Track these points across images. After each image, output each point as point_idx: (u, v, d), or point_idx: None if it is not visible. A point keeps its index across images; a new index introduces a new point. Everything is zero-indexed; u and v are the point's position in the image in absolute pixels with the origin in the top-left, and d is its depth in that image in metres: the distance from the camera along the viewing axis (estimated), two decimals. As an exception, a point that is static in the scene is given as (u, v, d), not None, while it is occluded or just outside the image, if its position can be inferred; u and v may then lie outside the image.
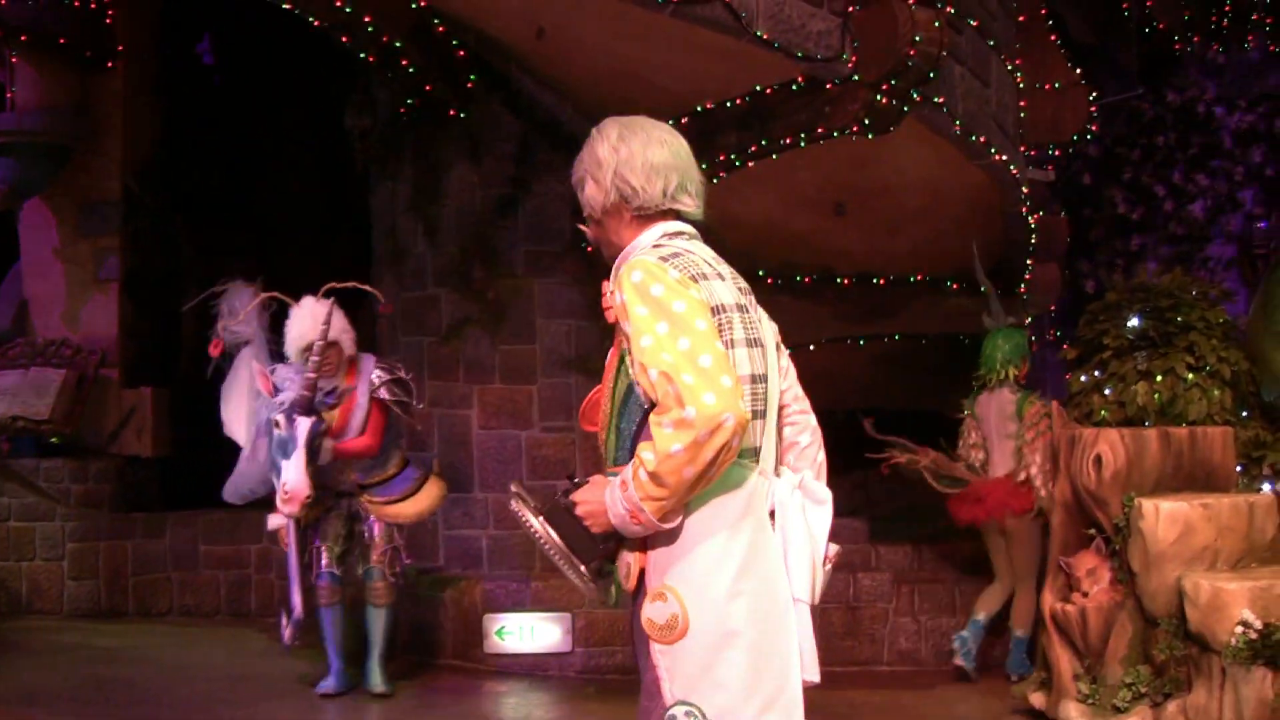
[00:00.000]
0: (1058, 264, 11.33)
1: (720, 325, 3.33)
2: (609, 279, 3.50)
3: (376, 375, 7.88)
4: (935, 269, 10.68)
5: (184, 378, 10.63)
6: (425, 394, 9.32)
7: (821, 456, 3.73)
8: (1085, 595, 7.19)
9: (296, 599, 7.58)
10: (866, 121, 8.09)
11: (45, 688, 8.02)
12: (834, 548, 3.55)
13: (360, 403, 7.85)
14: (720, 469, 3.19)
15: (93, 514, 10.52)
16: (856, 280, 10.62)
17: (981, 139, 8.99)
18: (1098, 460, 7.09)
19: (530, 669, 8.77)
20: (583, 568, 3.33)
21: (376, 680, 7.99)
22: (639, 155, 3.46)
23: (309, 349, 7.50)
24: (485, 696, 8.31)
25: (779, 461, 3.56)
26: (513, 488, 3.49)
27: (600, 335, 9.30)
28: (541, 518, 3.35)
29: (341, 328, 7.79)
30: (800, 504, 3.46)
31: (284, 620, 7.74)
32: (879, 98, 7.94)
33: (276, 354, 7.87)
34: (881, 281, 10.67)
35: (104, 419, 11.15)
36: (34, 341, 11.26)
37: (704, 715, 3.24)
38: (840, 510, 11.17)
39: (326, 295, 7.69)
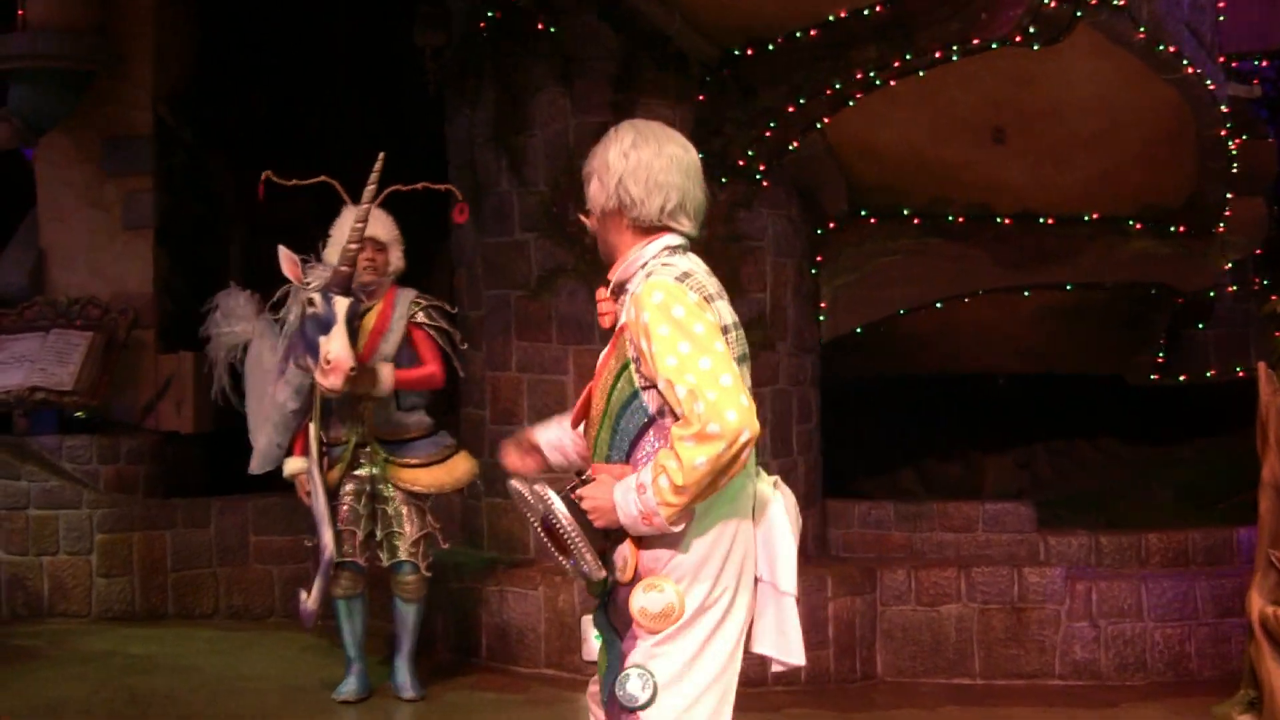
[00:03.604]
0: (1264, 198, 11.20)
1: (729, 344, 4.07)
2: (604, 287, 4.30)
3: (414, 303, 8.30)
4: (1114, 206, 10.61)
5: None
6: (512, 356, 9.42)
7: None
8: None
9: (327, 536, 7.89)
10: (1031, 29, 8.06)
11: (72, 702, 8.16)
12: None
13: (394, 328, 8.21)
14: (731, 477, 3.95)
15: (125, 500, 10.61)
16: (1018, 219, 10.57)
17: (1171, 48, 8.91)
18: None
19: (637, 680, 8.83)
20: (590, 556, 4.06)
21: (405, 682, 8.24)
22: (645, 168, 4.16)
23: (355, 241, 7.79)
24: (583, 710, 8.38)
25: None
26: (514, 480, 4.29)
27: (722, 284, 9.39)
28: (563, 501, 4.06)
29: (394, 236, 8.24)
30: (782, 503, 4.26)
31: (302, 598, 8.02)
32: (1045, 0, 7.95)
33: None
34: (1049, 221, 10.60)
35: (137, 389, 11.40)
36: (54, 300, 11.41)
37: (655, 683, 4.04)
38: (1000, 493, 11.15)
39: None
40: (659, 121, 4.37)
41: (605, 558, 4.11)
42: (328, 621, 9.44)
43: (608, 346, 4.25)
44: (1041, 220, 10.61)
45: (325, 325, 7.57)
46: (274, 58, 12.67)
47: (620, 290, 4.23)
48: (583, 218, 4.42)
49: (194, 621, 10.35)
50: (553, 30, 9.37)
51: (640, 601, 4.05)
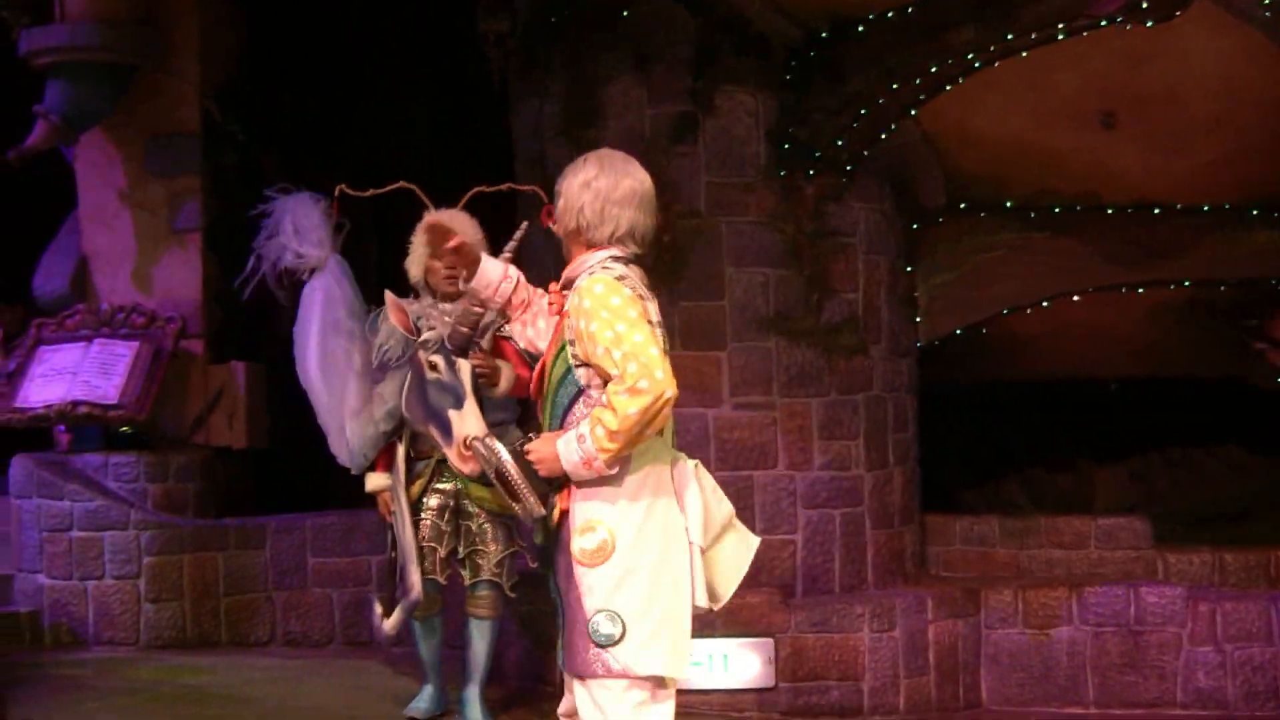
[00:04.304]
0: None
1: (656, 337, 5.06)
2: (555, 281, 5.36)
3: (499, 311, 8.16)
4: (1234, 195, 10.53)
5: (284, 349, 10.67)
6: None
7: None
8: None
9: (414, 575, 7.83)
10: (1143, 5, 7.96)
11: (120, 736, 8.26)
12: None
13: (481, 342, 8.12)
14: (655, 430, 4.94)
15: (174, 520, 10.59)
16: (1130, 211, 10.51)
17: (1299, 24, 8.84)
18: None
19: (723, 709, 8.84)
20: (533, 498, 5.08)
21: (477, 714, 8.19)
22: (601, 199, 5.16)
23: (446, 277, 7.77)
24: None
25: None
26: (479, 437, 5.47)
27: (805, 286, 9.45)
28: (510, 454, 5.13)
29: (478, 243, 8.05)
30: (693, 475, 5.16)
31: (377, 609, 8.02)
32: (1160, -26, 7.90)
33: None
34: (1163, 212, 10.56)
35: (186, 402, 11.36)
36: (97, 308, 11.36)
37: (623, 620, 4.93)
38: (1113, 507, 11.09)
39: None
40: (624, 156, 5.32)
41: (546, 502, 5.11)
42: (391, 649, 9.52)
43: (554, 332, 5.27)
44: (1155, 211, 10.55)
45: (451, 394, 7.50)
46: (329, 49, 12.71)
47: (569, 285, 5.22)
48: (549, 223, 5.42)
49: (248, 649, 10.36)
50: (625, 14, 9.36)
51: (579, 543, 5.01)
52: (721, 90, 9.40)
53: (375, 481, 8.12)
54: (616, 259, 5.18)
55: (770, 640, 8.91)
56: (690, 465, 5.21)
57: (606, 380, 4.97)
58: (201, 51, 11.57)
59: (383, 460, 8.15)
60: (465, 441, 7.32)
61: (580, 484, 5.08)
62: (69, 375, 10.94)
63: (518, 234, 6.79)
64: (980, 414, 11.67)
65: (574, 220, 5.23)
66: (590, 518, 5.06)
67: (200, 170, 11.57)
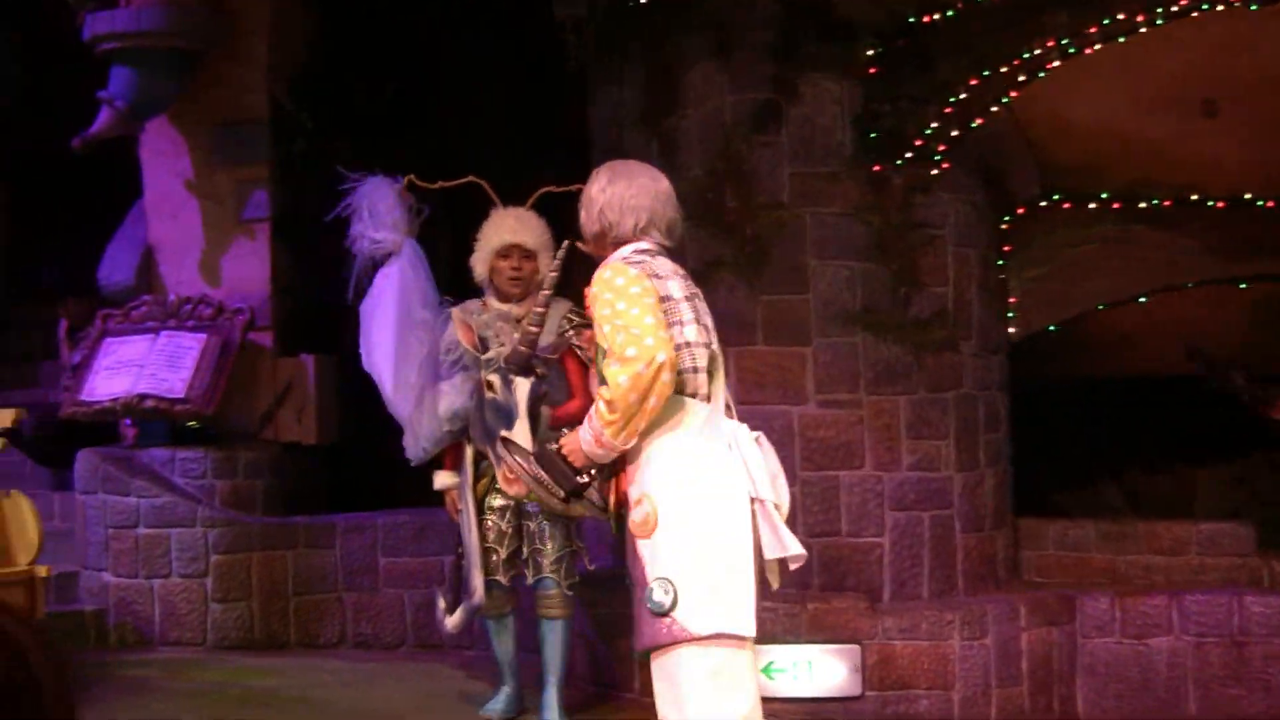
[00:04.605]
0: None
1: (667, 310, 5.36)
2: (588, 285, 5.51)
3: (567, 321, 8.22)
4: (1345, 185, 10.45)
5: (355, 342, 10.78)
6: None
7: None
8: None
9: (477, 580, 8.00)
10: (1246, -13, 7.97)
11: (185, 739, 8.37)
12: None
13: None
14: (660, 397, 5.16)
15: (242, 518, 10.71)
16: (1232, 203, 10.40)
17: None
18: None
19: (807, 718, 8.80)
20: (559, 490, 5.43)
21: (554, 715, 8.27)
22: (619, 198, 5.56)
23: (501, 254, 8.03)
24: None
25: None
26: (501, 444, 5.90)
27: (892, 279, 9.45)
28: (532, 458, 5.55)
29: (544, 242, 8.29)
30: (752, 438, 5.41)
31: (440, 602, 8.23)
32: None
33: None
34: (1268, 204, 10.45)
35: (255, 396, 11.49)
36: (164, 300, 11.54)
37: (674, 585, 5.16)
38: (1216, 511, 11.02)
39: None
40: (638, 162, 5.86)
41: (583, 491, 5.48)
42: (464, 651, 9.57)
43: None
44: (1259, 204, 10.45)
45: (506, 415, 7.62)
46: (403, 34, 12.68)
47: None
48: (579, 245, 5.87)
49: (318, 651, 10.45)
50: (705, -1, 9.40)
51: (631, 518, 5.31)
52: (805, 77, 9.38)
53: (442, 480, 8.32)
54: (642, 251, 5.53)
55: (857, 647, 8.85)
56: (749, 433, 5.44)
57: None
58: (271, 36, 11.67)
59: (450, 458, 8.30)
60: (511, 466, 7.41)
61: (629, 463, 5.37)
62: (135, 368, 11.06)
63: (559, 254, 6.89)
64: (1075, 413, 11.56)
65: (597, 224, 5.62)
66: (637, 493, 5.33)
67: (269, 159, 11.71)
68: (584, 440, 5.33)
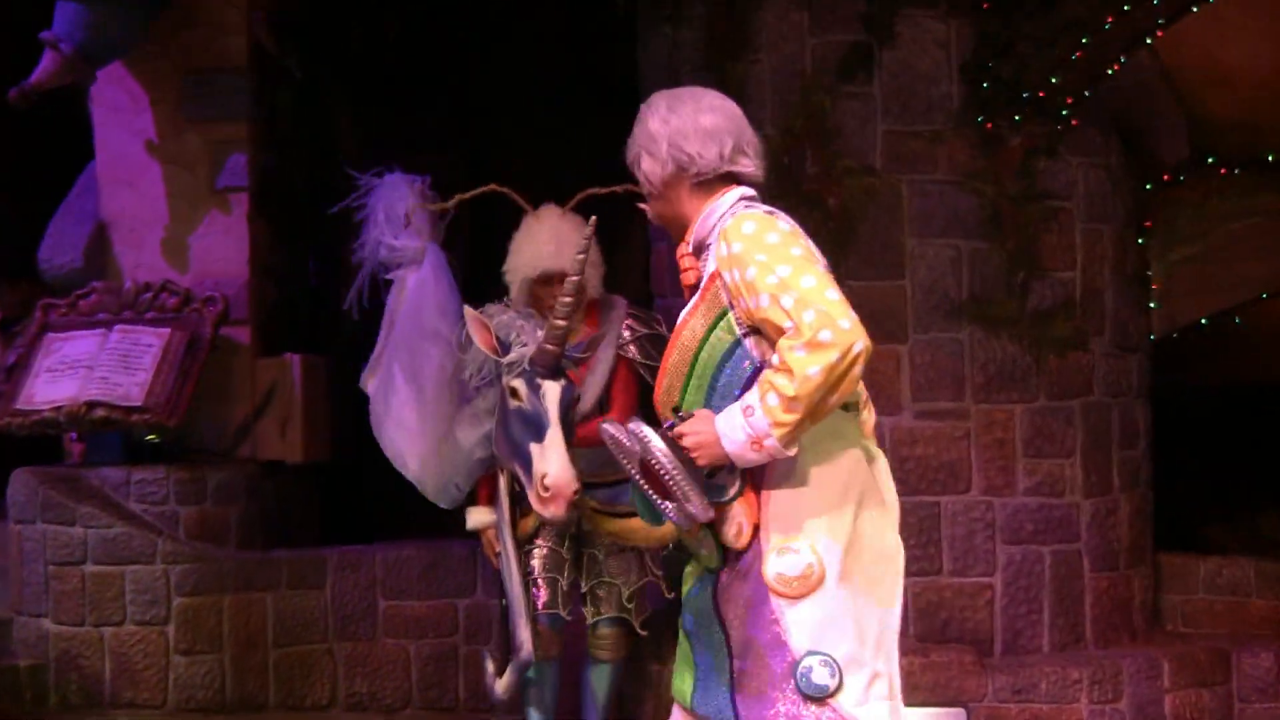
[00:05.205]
0: None
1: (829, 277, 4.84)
2: (682, 243, 5.19)
3: (628, 329, 8.36)
4: None
5: (350, 339, 10.62)
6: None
7: None
8: None
9: (524, 633, 7.90)
10: None
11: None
12: None
13: (603, 359, 8.31)
14: (842, 397, 4.70)
15: (212, 552, 10.36)
16: None
17: None
18: None
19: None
20: (694, 494, 4.80)
21: None
22: (690, 123, 5.04)
23: (542, 281, 8.01)
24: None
25: None
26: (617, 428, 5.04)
27: (1007, 262, 9.34)
28: (661, 439, 4.79)
29: (593, 260, 8.04)
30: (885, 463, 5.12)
31: (488, 664, 8.12)
32: None
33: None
34: None
35: (229, 405, 11.24)
36: (118, 287, 11.21)
37: (837, 663, 4.78)
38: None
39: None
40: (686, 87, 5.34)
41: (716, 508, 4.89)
42: (482, 713, 9.46)
43: (689, 305, 5.07)
44: None
45: (534, 424, 7.45)
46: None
47: (701, 249, 5.08)
48: (642, 206, 5.33)
49: (303, 714, 10.19)
50: (784, -80, 8.84)
51: (776, 567, 4.83)
52: (903, 15, 9.29)
53: (476, 518, 8.37)
54: (749, 200, 5.08)
55: (962, 711, 8.80)
56: (881, 456, 5.11)
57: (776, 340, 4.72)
58: (252, -33, 11.31)
59: (484, 491, 8.32)
60: (543, 481, 7.29)
61: (772, 487, 4.89)
62: (82, 370, 10.76)
63: (586, 233, 6.77)
64: (1231, 427, 11.54)
65: (671, 163, 5.07)
66: (789, 533, 4.86)
67: (249, 116, 11.50)
68: (730, 437, 4.75)
